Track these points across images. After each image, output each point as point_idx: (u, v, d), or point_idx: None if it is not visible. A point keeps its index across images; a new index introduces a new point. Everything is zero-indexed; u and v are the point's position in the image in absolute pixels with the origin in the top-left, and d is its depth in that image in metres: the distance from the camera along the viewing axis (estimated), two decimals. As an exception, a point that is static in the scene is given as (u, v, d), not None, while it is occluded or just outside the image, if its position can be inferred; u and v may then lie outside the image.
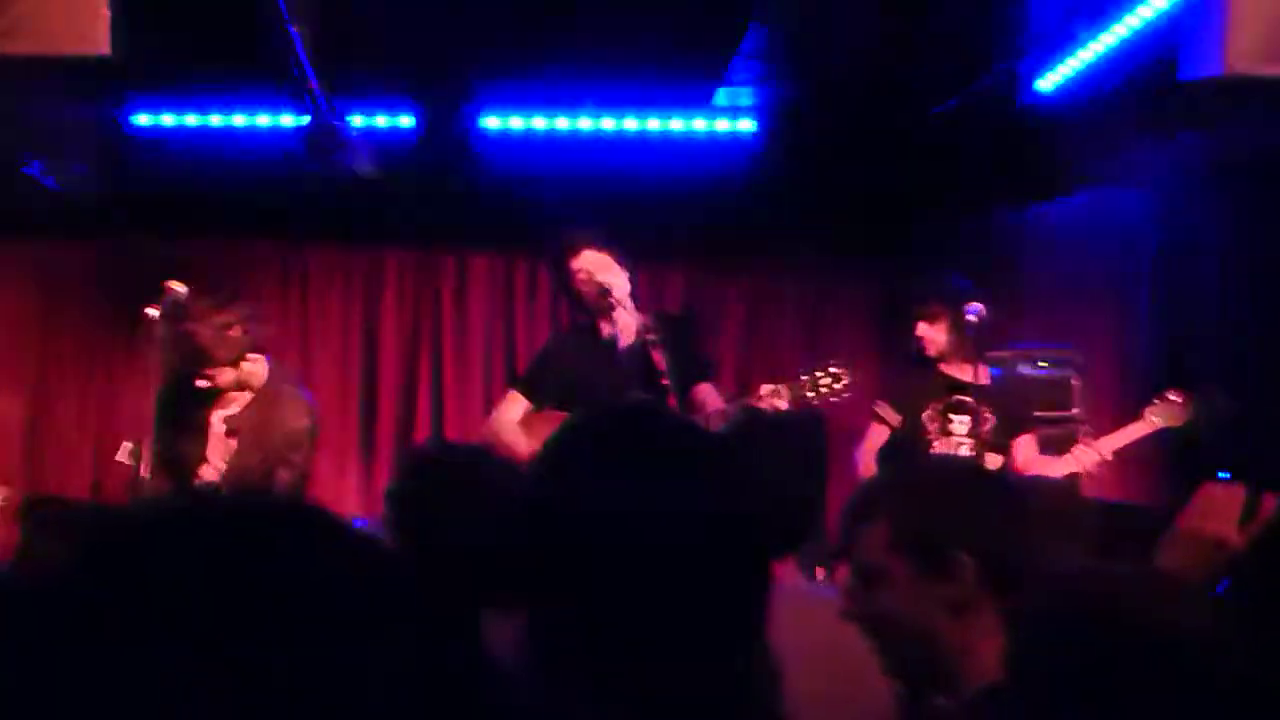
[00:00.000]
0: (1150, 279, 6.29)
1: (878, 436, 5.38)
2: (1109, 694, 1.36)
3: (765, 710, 1.33)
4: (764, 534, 1.31)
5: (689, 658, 1.25)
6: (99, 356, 7.03)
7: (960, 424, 5.21)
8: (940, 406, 5.26)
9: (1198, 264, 5.91)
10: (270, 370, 4.96)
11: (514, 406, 5.05)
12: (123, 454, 4.91)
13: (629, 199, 6.45)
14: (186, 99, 6.31)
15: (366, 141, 5.88)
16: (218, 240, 6.97)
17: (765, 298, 7.36)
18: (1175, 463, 5.92)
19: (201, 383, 4.81)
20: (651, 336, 4.82)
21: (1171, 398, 5.23)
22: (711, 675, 1.26)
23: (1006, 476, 4.49)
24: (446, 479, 2.64)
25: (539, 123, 6.45)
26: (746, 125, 6.59)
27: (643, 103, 6.39)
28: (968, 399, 5.15)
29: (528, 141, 6.47)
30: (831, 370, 4.85)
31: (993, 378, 5.32)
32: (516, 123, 6.44)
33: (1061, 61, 5.44)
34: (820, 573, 4.77)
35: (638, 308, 5.00)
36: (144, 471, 4.57)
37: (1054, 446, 5.38)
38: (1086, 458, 5.21)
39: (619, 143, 6.51)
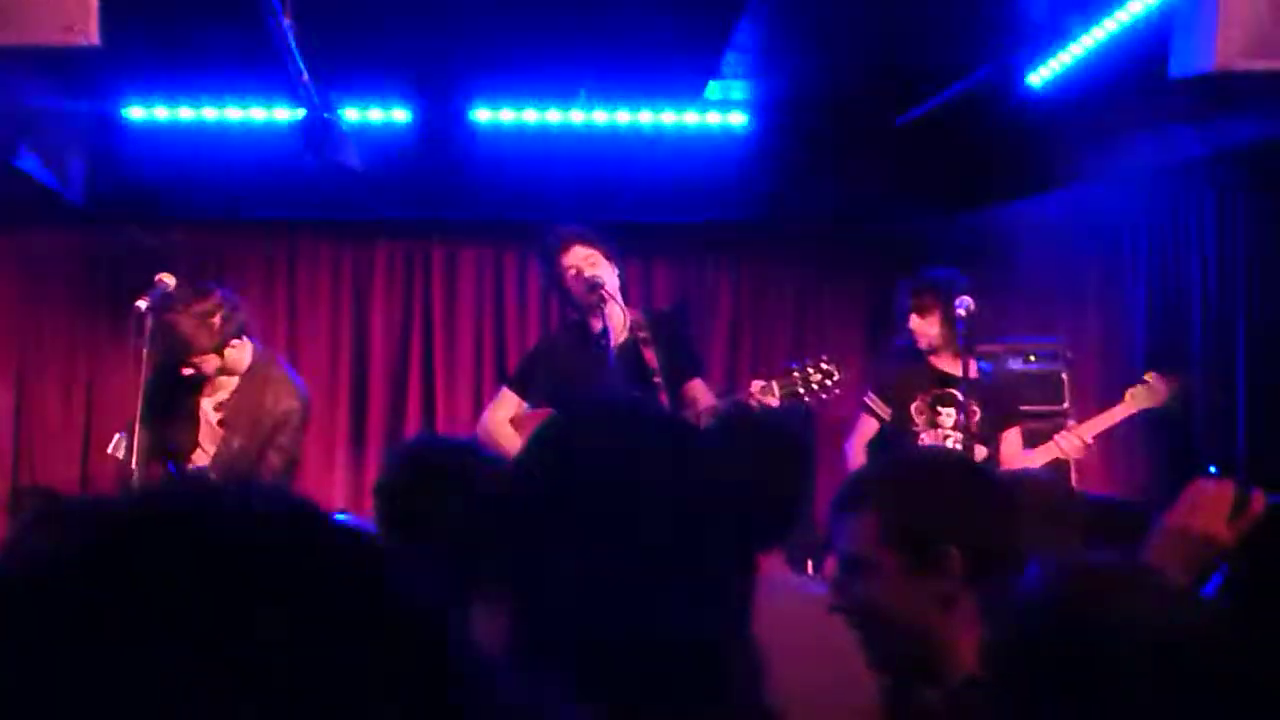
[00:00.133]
0: (1142, 273, 6.30)
1: (868, 429, 5.38)
2: (1088, 687, 1.36)
3: (750, 702, 1.33)
4: (749, 528, 1.31)
5: (673, 649, 1.25)
6: (86, 347, 7.01)
7: (948, 416, 5.22)
8: (929, 399, 5.27)
9: (1189, 259, 5.93)
10: (256, 354, 4.96)
11: (505, 405, 5.05)
12: (114, 446, 4.91)
13: (619, 193, 6.44)
14: (180, 91, 6.28)
15: (359, 135, 5.87)
16: (209, 232, 6.96)
17: (756, 292, 7.35)
18: (1165, 458, 5.94)
19: (187, 370, 4.82)
20: (643, 334, 4.81)
21: (1150, 380, 5.41)
22: (696, 667, 1.26)
23: (994, 470, 4.50)
24: (435, 473, 2.64)
25: (530, 115, 6.44)
26: (738, 119, 6.58)
27: (634, 96, 6.38)
28: (956, 392, 5.16)
29: (519, 134, 6.47)
30: (823, 366, 4.85)
31: (982, 372, 5.33)
32: (508, 115, 6.44)
33: (1052, 57, 5.45)
34: (809, 566, 4.78)
35: (628, 303, 4.99)
36: (134, 463, 4.56)
37: (1039, 439, 5.41)
38: (1068, 443, 5.28)
39: (610, 136, 6.50)
